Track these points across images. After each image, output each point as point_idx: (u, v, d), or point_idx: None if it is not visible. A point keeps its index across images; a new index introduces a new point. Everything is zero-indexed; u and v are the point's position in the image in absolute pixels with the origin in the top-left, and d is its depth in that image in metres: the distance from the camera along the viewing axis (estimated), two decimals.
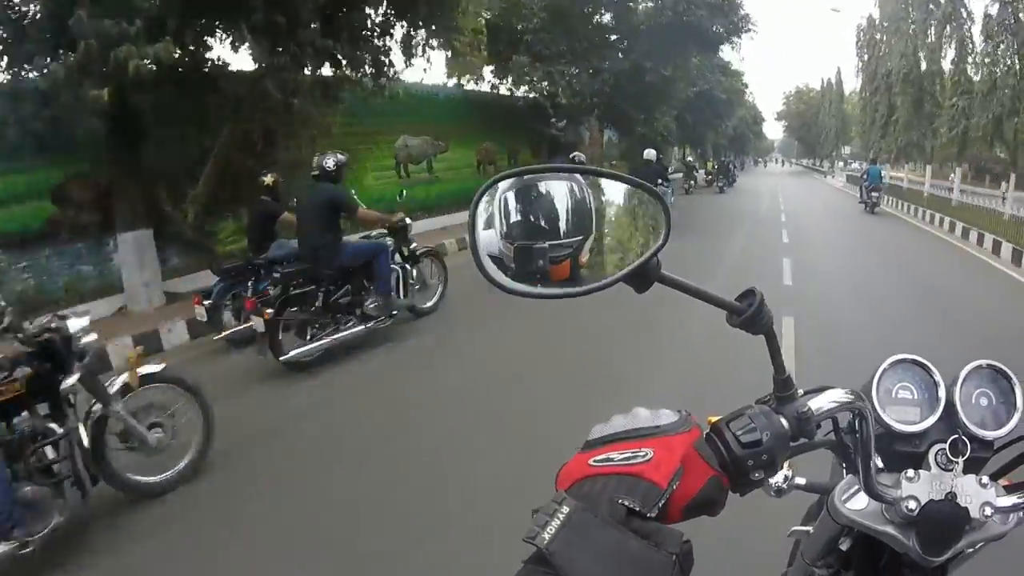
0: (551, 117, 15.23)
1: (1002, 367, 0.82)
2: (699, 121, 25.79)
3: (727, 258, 8.64)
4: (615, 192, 0.58)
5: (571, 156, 11.04)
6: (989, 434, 0.77)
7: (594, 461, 0.50)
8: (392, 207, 10.87)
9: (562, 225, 0.56)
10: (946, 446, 0.73)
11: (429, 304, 5.65)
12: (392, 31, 7.79)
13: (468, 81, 13.99)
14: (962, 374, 0.81)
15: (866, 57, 26.40)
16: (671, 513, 0.50)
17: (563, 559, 0.41)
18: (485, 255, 0.54)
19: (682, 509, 0.51)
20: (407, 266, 5.20)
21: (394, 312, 4.84)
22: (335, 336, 4.45)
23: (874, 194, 15.68)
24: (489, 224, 0.55)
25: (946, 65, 19.91)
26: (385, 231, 5.13)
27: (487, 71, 14.58)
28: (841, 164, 43.68)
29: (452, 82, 14.77)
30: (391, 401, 3.93)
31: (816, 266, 8.34)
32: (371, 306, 4.65)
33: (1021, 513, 0.70)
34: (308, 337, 4.33)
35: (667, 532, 0.45)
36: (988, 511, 0.66)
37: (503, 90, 14.39)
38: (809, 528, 0.95)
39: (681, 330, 5.09)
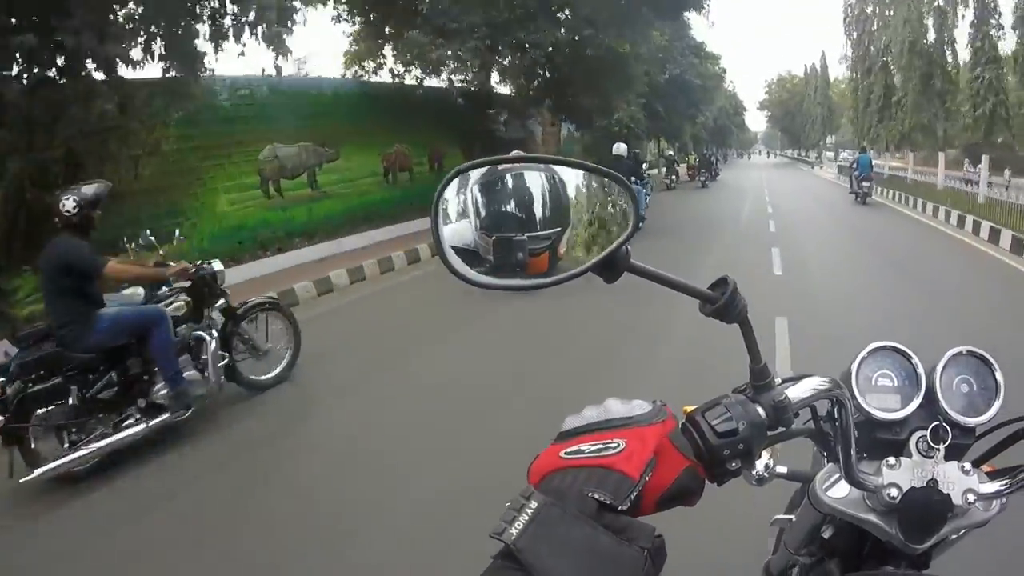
0: (488, 109, 12.77)
1: (983, 353, 0.81)
2: (672, 110, 23.34)
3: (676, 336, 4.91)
4: (587, 182, 0.58)
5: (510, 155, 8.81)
6: (970, 420, 0.77)
7: (565, 453, 0.50)
8: (257, 236, 8.77)
9: (539, 216, 0.56)
10: (927, 433, 0.74)
11: (271, 375, 4.49)
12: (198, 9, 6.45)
13: (369, 72, 11.26)
14: (942, 361, 0.81)
15: (855, 35, 24.01)
16: (645, 505, 0.51)
17: (531, 555, 0.41)
18: (449, 247, 0.53)
19: (656, 500, 0.51)
20: (214, 332, 4.05)
21: (191, 404, 3.83)
22: (106, 441, 3.52)
23: (865, 184, 15.18)
24: (453, 216, 0.55)
25: (960, 33, 16.95)
26: (184, 286, 4.05)
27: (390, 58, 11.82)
28: (830, 154, 41.69)
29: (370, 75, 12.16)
30: (187, 527, 2.82)
31: (832, 335, 4.87)
32: (159, 394, 3.74)
33: (1004, 499, 0.71)
34: (67, 444, 3.48)
35: (638, 526, 0.45)
36: (971, 498, 0.67)
37: (411, 80, 11.76)
38: (792, 516, 0.99)
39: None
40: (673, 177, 21.55)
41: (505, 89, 13.41)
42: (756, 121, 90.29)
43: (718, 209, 15.39)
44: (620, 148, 10.51)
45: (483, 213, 0.54)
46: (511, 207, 0.56)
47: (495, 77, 13.14)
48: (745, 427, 0.54)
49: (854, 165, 16.17)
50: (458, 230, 0.54)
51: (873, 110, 21.49)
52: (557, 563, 0.41)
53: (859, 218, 13.37)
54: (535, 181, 0.56)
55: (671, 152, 26.19)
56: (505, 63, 11.61)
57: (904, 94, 18.48)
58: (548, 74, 12.68)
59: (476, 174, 0.54)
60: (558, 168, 0.56)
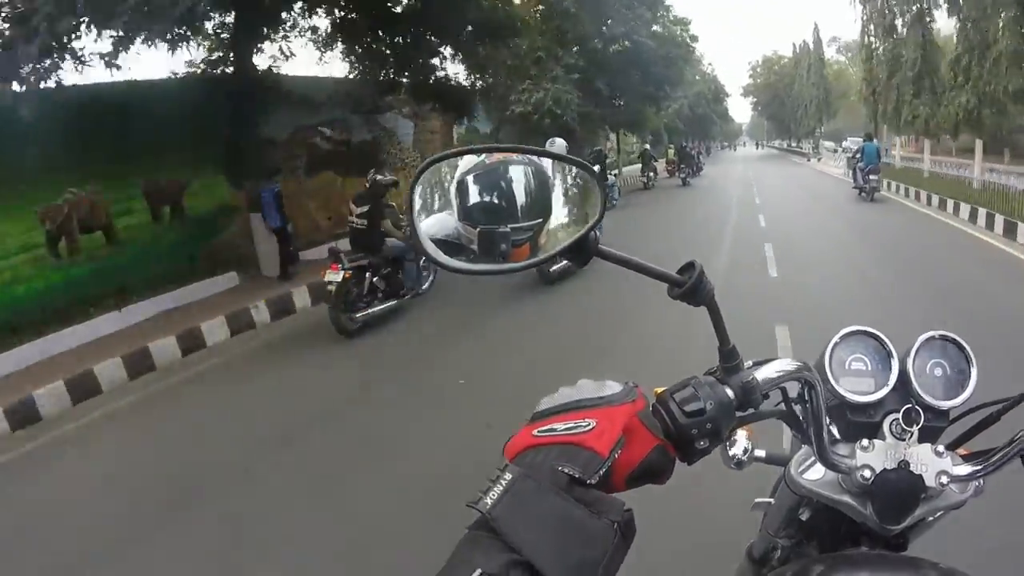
0: (277, 102, 7.54)
1: (956, 338, 0.82)
2: (626, 91, 17.98)
3: None
4: (561, 172, 0.59)
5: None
6: (943, 403, 0.78)
7: (538, 432, 0.51)
8: None
9: (522, 208, 0.57)
10: (900, 416, 0.74)
11: None
12: None
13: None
14: (915, 345, 0.81)
15: None
16: (615, 482, 0.52)
17: (505, 524, 0.42)
18: (427, 237, 0.55)
19: (626, 478, 0.53)
20: None
21: None
22: None
23: (872, 177, 13.64)
24: (434, 206, 0.56)
25: None
26: None
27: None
28: (830, 144, 36.55)
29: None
30: None
31: None
32: None
33: (980, 482, 0.72)
34: None
35: (608, 500, 0.46)
36: (944, 479, 0.68)
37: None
38: (772, 499, 1.01)
39: None
40: (651, 174, 19.36)
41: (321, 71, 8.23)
42: (741, 111, 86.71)
43: (700, 220, 11.69)
44: (557, 144, 8.19)
45: (467, 204, 0.55)
46: (495, 199, 0.57)
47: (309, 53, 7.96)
48: (713, 407, 0.56)
49: (858, 155, 14.41)
50: (439, 220, 0.55)
51: (905, 80, 16.10)
52: (530, 532, 0.42)
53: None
54: (518, 173, 0.57)
55: (647, 147, 21.92)
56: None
57: (961, 52, 12.94)
58: (380, 33, 7.47)
59: (463, 167, 0.55)
60: (534, 159, 0.58)
